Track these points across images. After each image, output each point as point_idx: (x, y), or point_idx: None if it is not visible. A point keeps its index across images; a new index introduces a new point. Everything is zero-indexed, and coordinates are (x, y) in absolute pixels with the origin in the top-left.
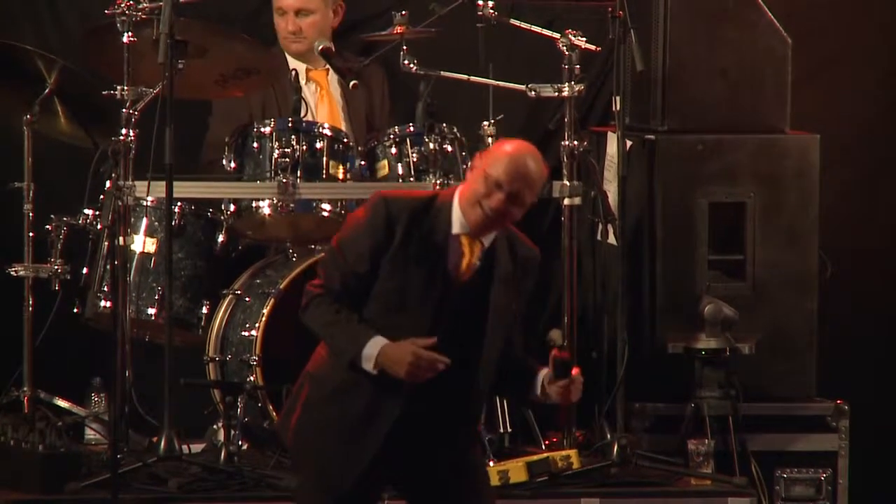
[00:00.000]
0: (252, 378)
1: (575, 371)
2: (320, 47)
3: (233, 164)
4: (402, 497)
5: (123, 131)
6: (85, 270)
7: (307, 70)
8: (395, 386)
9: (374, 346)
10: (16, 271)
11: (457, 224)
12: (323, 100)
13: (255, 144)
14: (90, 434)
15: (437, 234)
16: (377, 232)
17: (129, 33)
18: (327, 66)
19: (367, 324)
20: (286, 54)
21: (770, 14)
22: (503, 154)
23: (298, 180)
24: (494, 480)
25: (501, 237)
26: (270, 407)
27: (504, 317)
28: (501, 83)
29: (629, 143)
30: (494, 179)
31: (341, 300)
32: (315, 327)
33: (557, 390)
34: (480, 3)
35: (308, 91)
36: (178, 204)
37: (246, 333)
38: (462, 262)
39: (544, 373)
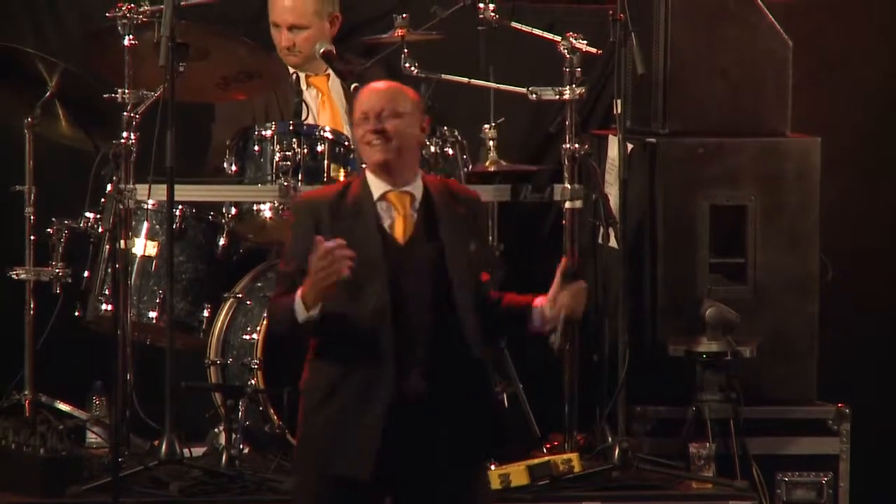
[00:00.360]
0: (253, 381)
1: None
2: (321, 50)
3: (234, 168)
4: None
5: (124, 134)
6: (86, 274)
7: (307, 77)
8: (381, 368)
9: (298, 296)
10: (17, 275)
11: (375, 187)
12: (324, 106)
13: (257, 147)
14: (91, 437)
15: (361, 205)
16: (305, 230)
17: (131, 36)
18: (328, 71)
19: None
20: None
21: (771, 16)
22: (358, 96)
23: (300, 183)
24: (496, 484)
25: (436, 189)
26: (272, 410)
27: (463, 255)
28: (502, 86)
29: (630, 147)
30: (357, 117)
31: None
32: (273, 326)
33: (568, 294)
34: (481, 6)
35: (309, 96)
36: (180, 207)
37: (247, 337)
38: (398, 219)
39: (541, 301)
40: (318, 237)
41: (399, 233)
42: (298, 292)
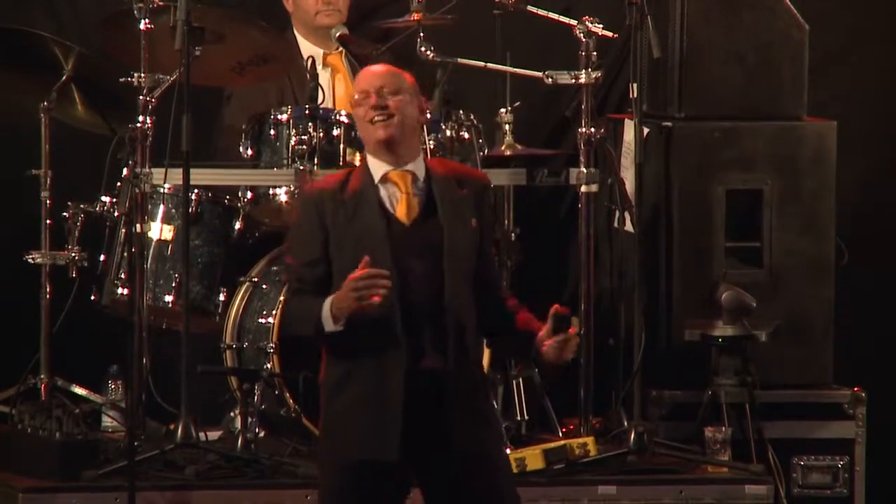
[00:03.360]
0: (269, 365)
1: (572, 329)
2: (338, 34)
3: (250, 152)
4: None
5: (140, 118)
6: (102, 258)
7: (324, 55)
8: (393, 350)
9: (326, 305)
10: (33, 259)
11: (376, 169)
12: (340, 83)
13: (272, 132)
14: (107, 421)
15: (363, 190)
16: (309, 221)
17: (146, 20)
18: (341, 49)
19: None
20: (301, 42)
21: (787, 0)
22: (357, 78)
23: (315, 167)
24: (511, 468)
25: (439, 169)
26: (287, 394)
27: (461, 236)
28: (518, 70)
29: (646, 131)
30: (360, 93)
31: (304, 296)
32: (289, 330)
33: (553, 346)
34: None
35: (324, 76)
36: (195, 191)
37: (263, 320)
38: (401, 198)
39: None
40: (366, 257)
41: (402, 213)
42: (327, 304)
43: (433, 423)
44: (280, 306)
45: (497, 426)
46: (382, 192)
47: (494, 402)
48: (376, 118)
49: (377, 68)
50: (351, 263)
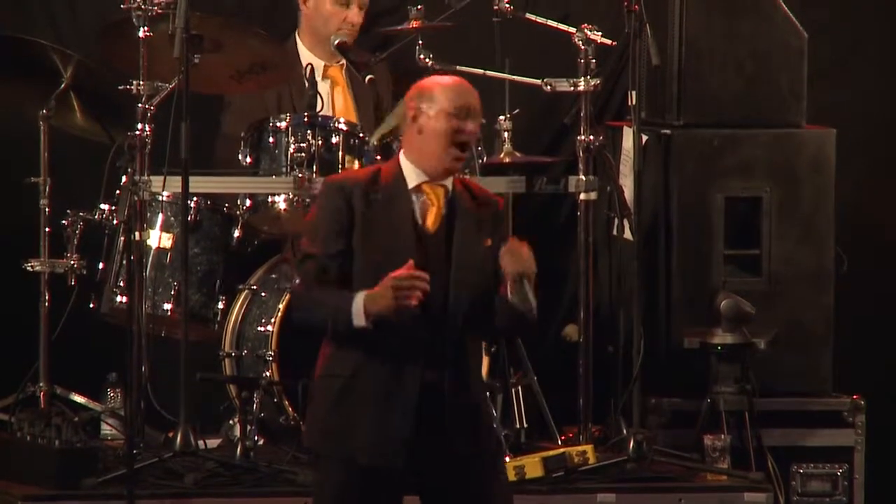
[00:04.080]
0: (268, 373)
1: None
2: (336, 42)
3: (248, 160)
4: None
5: (139, 126)
6: (101, 266)
7: (325, 67)
8: (408, 353)
9: (358, 300)
10: (32, 266)
11: (412, 177)
12: (339, 95)
13: (271, 139)
14: (106, 429)
15: (395, 194)
16: (337, 211)
17: (145, 28)
18: (342, 61)
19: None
20: (302, 52)
21: (785, 8)
22: (450, 84)
23: (314, 175)
24: (510, 476)
25: (460, 187)
26: (286, 402)
27: (473, 252)
28: (517, 78)
29: (645, 138)
30: (461, 111)
31: (323, 286)
32: (305, 316)
33: (506, 256)
34: None
35: (324, 87)
36: (195, 199)
37: (262, 328)
38: (430, 211)
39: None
40: (411, 260)
41: (430, 224)
42: (360, 299)
43: (431, 431)
44: (294, 292)
45: (495, 441)
46: (415, 199)
47: (493, 412)
48: (464, 151)
49: (471, 87)
50: (376, 263)
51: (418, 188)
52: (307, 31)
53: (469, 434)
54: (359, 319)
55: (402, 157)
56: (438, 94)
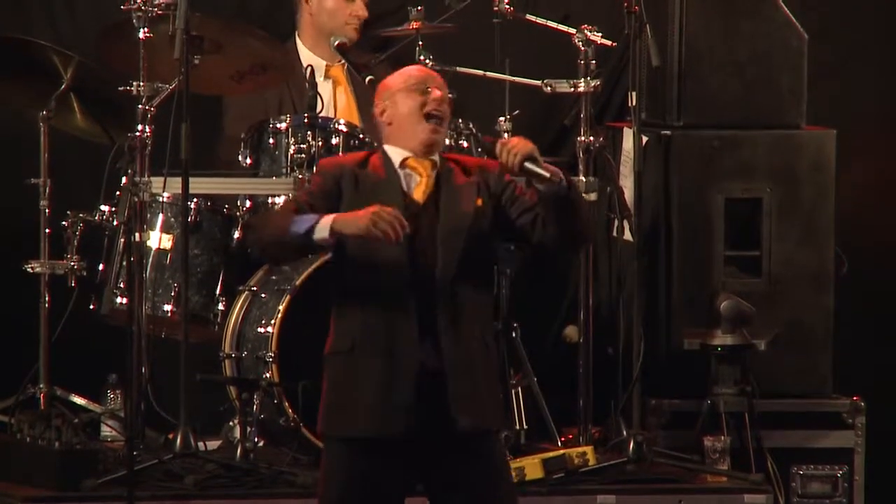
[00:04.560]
0: (268, 374)
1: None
2: (336, 42)
3: (248, 161)
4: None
5: (139, 127)
6: (101, 267)
7: (327, 66)
8: (402, 323)
9: (328, 216)
10: (32, 268)
11: (396, 157)
12: (341, 95)
13: (271, 140)
14: (106, 431)
15: (384, 172)
16: (327, 181)
17: (145, 29)
18: (343, 61)
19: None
20: (302, 52)
21: (786, 9)
22: (405, 71)
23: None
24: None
25: (449, 160)
26: (286, 403)
27: (462, 217)
28: (517, 79)
29: (645, 139)
30: (419, 85)
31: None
32: (262, 234)
33: (502, 151)
34: None
35: (326, 87)
36: (195, 200)
37: (262, 330)
38: (420, 181)
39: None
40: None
41: (419, 195)
42: (331, 216)
43: (431, 404)
44: (250, 220)
45: (499, 408)
46: (402, 174)
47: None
48: (434, 111)
49: (431, 70)
50: (364, 242)
51: (404, 163)
52: (309, 31)
53: (470, 409)
54: (322, 232)
55: (385, 146)
56: (392, 83)
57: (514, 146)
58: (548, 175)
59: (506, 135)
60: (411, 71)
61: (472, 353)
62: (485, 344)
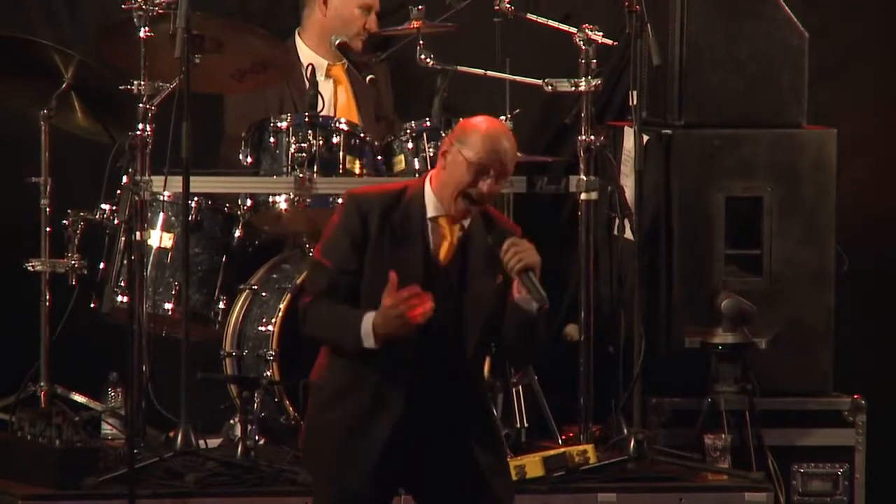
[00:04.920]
0: (269, 373)
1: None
2: (337, 42)
3: (249, 159)
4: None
5: (140, 126)
6: (102, 265)
7: (328, 66)
8: (395, 383)
9: (367, 321)
10: (33, 266)
11: (431, 208)
12: (342, 94)
13: (272, 139)
14: (107, 429)
15: (412, 220)
16: (353, 229)
17: (146, 28)
18: (344, 60)
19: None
20: (302, 50)
21: (787, 8)
22: (485, 131)
23: (315, 175)
24: (511, 475)
25: (478, 219)
26: (287, 402)
27: (485, 294)
28: (518, 78)
29: (646, 138)
30: (478, 165)
31: (333, 301)
32: (315, 332)
33: (507, 253)
34: None
35: (327, 86)
36: (195, 199)
37: (263, 328)
38: (443, 244)
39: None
40: (392, 273)
41: (443, 255)
42: (368, 320)
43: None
44: (308, 309)
45: (502, 455)
46: (430, 229)
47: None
48: (475, 197)
49: (505, 143)
50: (383, 284)
51: (435, 219)
52: (315, 30)
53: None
54: (368, 341)
55: (427, 183)
56: (473, 139)
57: (523, 253)
58: (534, 296)
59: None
60: (493, 145)
61: (465, 424)
62: (476, 405)
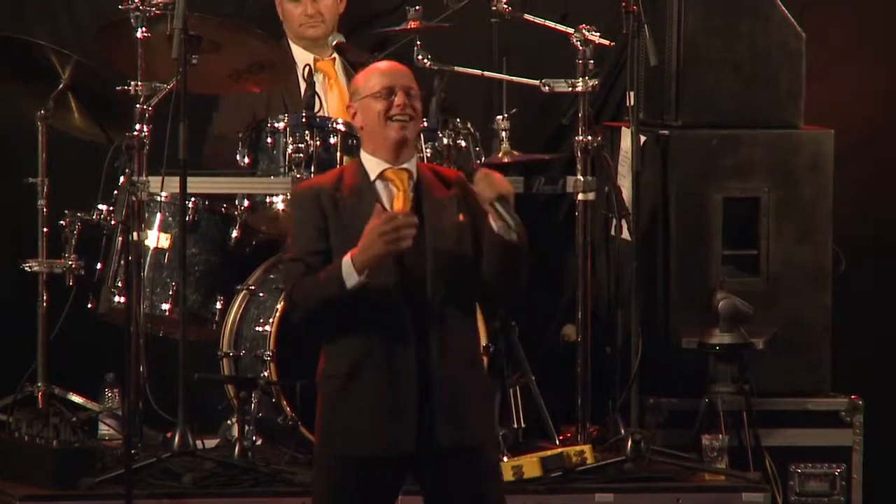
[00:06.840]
0: (266, 373)
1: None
2: (334, 42)
3: (247, 160)
4: (420, 490)
5: (137, 126)
6: (99, 266)
7: (315, 60)
8: (403, 340)
9: (346, 261)
10: (30, 267)
11: (372, 169)
12: (332, 89)
13: (269, 140)
14: (104, 429)
15: (359, 188)
16: (310, 215)
17: (143, 28)
18: (334, 55)
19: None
20: (293, 50)
21: (784, 8)
22: (370, 71)
23: (312, 175)
24: (508, 475)
25: (426, 170)
26: (284, 402)
27: (450, 233)
28: (515, 78)
29: (643, 139)
30: (382, 88)
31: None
32: (304, 305)
33: (480, 184)
34: None
35: (317, 82)
36: (192, 199)
37: (260, 329)
38: (397, 196)
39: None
40: (378, 205)
41: (399, 208)
42: (346, 257)
43: (439, 416)
44: (287, 294)
45: (490, 427)
46: (379, 187)
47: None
48: (398, 117)
49: (397, 66)
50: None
51: (381, 176)
52: (289, 32)
53: (452, 424)
54: (351, 278)
55: (361, 153)
56: (361, 82)
57: (495, 180)
58: (512, 223)
59: (504, 133)
60: (376, 75)
61: (460, 371)
62: (472, 361)
